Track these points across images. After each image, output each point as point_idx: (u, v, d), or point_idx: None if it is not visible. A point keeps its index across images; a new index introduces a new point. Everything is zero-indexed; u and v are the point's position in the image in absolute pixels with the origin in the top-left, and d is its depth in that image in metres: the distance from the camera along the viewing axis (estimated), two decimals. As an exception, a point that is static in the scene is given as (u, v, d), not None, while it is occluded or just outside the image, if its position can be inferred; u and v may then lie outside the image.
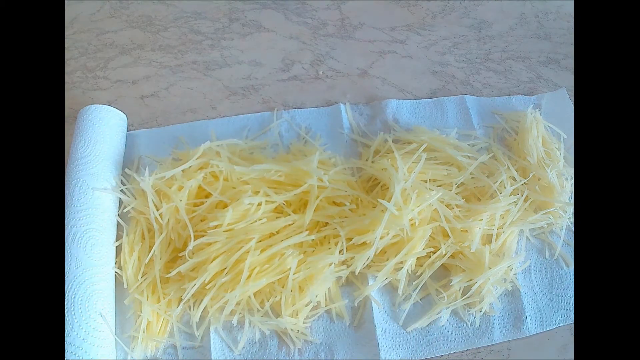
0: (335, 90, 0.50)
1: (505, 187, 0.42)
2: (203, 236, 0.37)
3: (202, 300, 0.37)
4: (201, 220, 0.39)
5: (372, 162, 0.44)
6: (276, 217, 0.39)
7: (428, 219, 0.40)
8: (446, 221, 0.40)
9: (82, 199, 0.37)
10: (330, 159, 0.43)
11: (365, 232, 0.38)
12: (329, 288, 0.39)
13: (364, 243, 0.38)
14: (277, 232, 0.39)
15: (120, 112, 0.44)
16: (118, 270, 0.38)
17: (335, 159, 0.43)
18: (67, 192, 0.37)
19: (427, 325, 0.39)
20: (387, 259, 0.39)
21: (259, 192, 0.39)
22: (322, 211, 0.39)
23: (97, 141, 0.40)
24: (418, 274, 0.40)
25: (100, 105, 0.42)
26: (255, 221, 0.38)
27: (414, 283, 0.40)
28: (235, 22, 0.55)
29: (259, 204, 0.39)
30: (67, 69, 0.50)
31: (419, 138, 0.45)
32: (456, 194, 0.42)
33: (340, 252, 0.38)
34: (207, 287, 0.36)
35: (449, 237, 0.40)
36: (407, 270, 0.39)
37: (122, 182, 0.41)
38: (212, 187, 0.40)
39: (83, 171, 0.38)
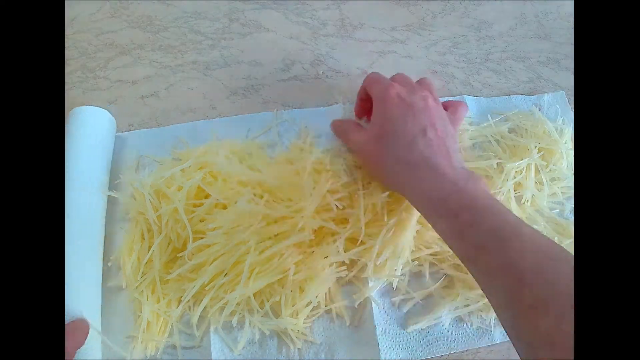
0: (335, 90, 0.50)
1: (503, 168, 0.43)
2: (202, 237, 0.37)
3: (201, 300, 0.37)
4: (200, 221, 0.39)
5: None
6: (275, 221, 0.39)
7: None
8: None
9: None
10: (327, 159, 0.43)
11: (365, 234, 0.38)
12: (329, 288, 0.39)
13: (363, 242, 0.38)
14: (276, 234, 0.39)
15: (103, 110, 0.42)
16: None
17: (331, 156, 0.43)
18: None
19: (427, 326, 0.39)
20: (388, 260, 0.39)
21: (257, 194, 0.39)
22: (321, 214, 0.39)
23: (73, 144, 0.39)
24: (419, 274, 0.40)
25: (84, 106, 0.41)
26: (253, 225, 0.38)
27: (414, 283, 0.40)
28: (235, 22, 0.55)
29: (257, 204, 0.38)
30: (67, 69, 0.49)
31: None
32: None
33: (340, 252, 0.38)
34: (207, 288, 0.36)
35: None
36: (408, 270, 0.39)
37: (115, 184, 0.41)
38: (212, 187, 0.40)
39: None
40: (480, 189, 0.33)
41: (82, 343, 0.33)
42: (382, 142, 0.37)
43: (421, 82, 0.42)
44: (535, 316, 0.26)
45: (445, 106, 0.43)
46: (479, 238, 0.30)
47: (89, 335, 0.34)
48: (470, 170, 0.36)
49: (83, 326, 0.33)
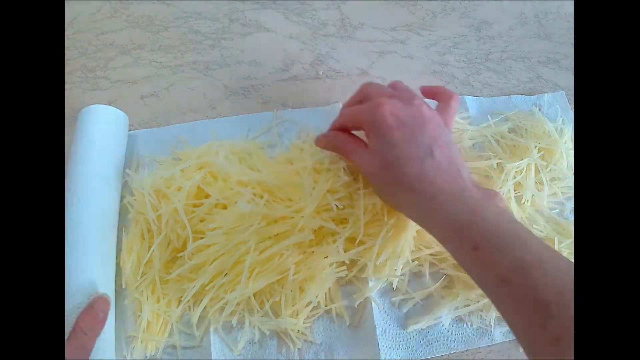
0: (336, 90, 0.50)
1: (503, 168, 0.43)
2: (202, 237, 0.37)
3: (201, 300, 0.37)
4: (200, 221, 0.39)
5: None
6: (275, 221, 0.39)
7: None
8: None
9: (82, 201, 0.37)
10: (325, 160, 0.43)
11: (365, 234, 0.38)
12: (329, 288, 0.39)
13: (363, 242, 0.38)
14: (276, 234, 0.39)
15: (120, 111, 0.43)
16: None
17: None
18: (67, 193, 0.37)
19: (427, 326, 0.39)
20: (388, 260, 0.39)
21: (257, 194, 0.39)
22: (321, 214, 0.39)
23: (96, 142, 0.40)
24: (419, 274, 0.40)
25: (101, 105, 0.42)
26: (252, 225, 0.38)
27: (414, 283, 0.40)
28: (235, 22, 0.55)
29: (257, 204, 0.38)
30: (67, 69, 0.50)
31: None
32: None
33: (340, 252, 0.38)
34: (207, 288, 0.36)
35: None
36: (408, 270, 0.39)
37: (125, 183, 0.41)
38: (211, 187, 0.40)
39: (84, 173, 0.38)
40: (499, 211, 0.32)
41: (108, 310, 0.35)
42: (390, 173, 0.34)
43: (394, 86, 0.40)
44: (563, 348, 0.25)
45: (431, 94, 0.41)
46: (501, 270, 0.29)
47: (102, 334, 0.34)
48: (483, 188, 0.34)
49: (104, 298, 0.35)
